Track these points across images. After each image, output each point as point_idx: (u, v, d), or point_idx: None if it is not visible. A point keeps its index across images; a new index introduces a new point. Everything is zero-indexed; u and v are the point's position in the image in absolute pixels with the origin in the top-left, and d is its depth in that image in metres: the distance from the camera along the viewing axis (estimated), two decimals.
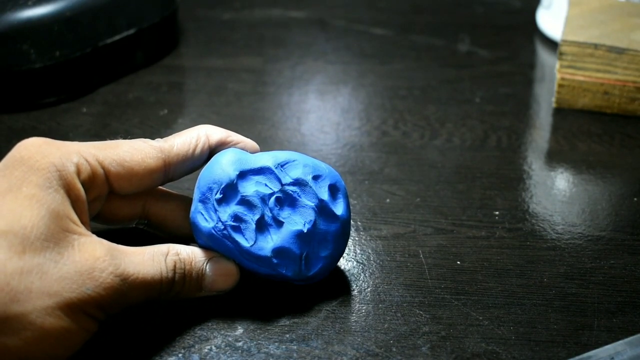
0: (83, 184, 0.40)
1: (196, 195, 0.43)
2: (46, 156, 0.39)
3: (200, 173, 0.44)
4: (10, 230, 0.36)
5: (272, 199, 0.43)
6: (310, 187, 0.44)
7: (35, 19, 0.61)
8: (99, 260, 0.38)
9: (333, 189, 0.45)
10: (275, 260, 0.43)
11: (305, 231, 0.43)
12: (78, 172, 0.40)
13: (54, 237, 0.37)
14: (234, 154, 0.44)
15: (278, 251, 0.43)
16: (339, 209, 0.45)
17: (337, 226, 0.44)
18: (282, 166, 0.44)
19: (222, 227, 0.42)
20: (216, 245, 0.43)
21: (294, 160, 0.44)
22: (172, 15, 0.71)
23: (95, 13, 0.64)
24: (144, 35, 0.68)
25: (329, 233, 0.44)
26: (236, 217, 0.43)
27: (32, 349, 0.36)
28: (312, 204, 0.44)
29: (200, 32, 0.76)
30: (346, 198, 0.45)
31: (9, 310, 0.35)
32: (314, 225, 0.43)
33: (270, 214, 0.43)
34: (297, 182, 0.44)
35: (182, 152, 0.43)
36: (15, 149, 0.40)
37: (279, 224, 0.43)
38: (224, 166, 0.43)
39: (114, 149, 0.42)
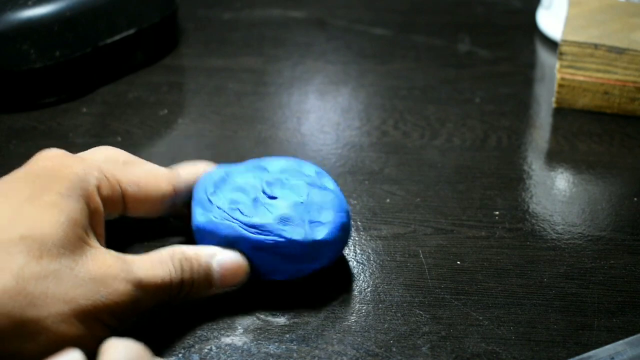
0: (102, 199, 0.41)
1: (193, 206, 0.45)
2: (70, 166, 0.40)
3: (193, 189, 0.45)
4: (29, 236, 0.36)
5: (264, 182, 0.45)
6: (296, 171, 0.46)
7: (35, 19, 0.61)
8: (111, 267, 0.38)
9: (318, 173, 0.46)
10: (281, 225, 0.43)
11: (302, 201, 0.44)
12: (98, 187, 0.41)
13: (71, 244, 0.38)
14: (220, 166, 0.46)
15: (281, 218, 0.43)
16: (329, 184, 0.46)
17: (332, 196, 0.45)
18: (264, 167, 0.46)
19: (221, 211, 0.43)
20: (219, 230, 0.43)
21: (273, 164, 0.47)
22: (172, 15, 0.71)
23: (95, 13, 0.64)
24: (144, 35, 0.68)
25: (326, 202, 0.44)
26: (232, 201, 0.43)
27: (45, 354, 0.36)
28: (303, 181, 0.45)
29: (200, 32, 0.76)
30: (332, 179, 0.47)
31: (25, 314, 0.35)
32: (309, 196, 0.44)
33: (264, 194, 0.44)
34: (283, 172, 0.46)
35: (190, 181, 0.45)
36: (37, 158, 0.41)
37: (275, 199, 0.44)
38: (212, 171, 0.46)
39: (130, 170, 0.43)
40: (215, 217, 0.43)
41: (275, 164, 0.46)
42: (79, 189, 0.39)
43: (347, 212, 0.45)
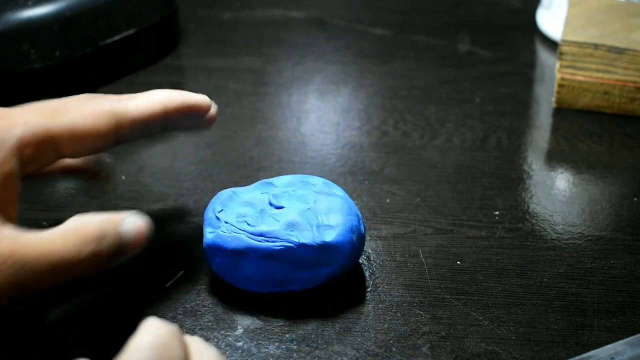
0: (27, 157, 0.38)
1: (204, 227, 0.45)
2: None
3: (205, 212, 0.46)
4: None
5: (270, 195, 0.45)
6: (303, 182, 0.46)
7: (35, 19, 0.61)
8: None
9: (325, 183, 0.46)
10: (288, 231, 0.42)
11: (309, 207, 0.44)
12: (20, 146, 0.38)
13: None
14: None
15: (288, 224, 0.43)
16: (337, 191, 0.46)
17: (340, 201, 0.44)
18: (271, 183, 0.46)
19: (228, 225, 0.43)
20: (227, 243, 0.43)
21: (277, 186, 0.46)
22: (172, 15, 0.71)
23: (95, 13, 0.64)
24: (144, 35, 0.68)
25: (334, 207, 0.44)
26: (239, 215, 0.44)
27: None
28: (310, 190, 0.45)
29: (200, 32, 0.76)
30: (341, 187, 0.47)
31: None
32: (316, 202, 0.44)
33: (271, 206, 0.44)
34: (290, 185, 0.46)
35: (138, 116, 0.42)
36: None
37: (282, 209, 0.44)
38: (220, 192, 0.46)
39: (64, 115, 0.40)
40: (223, 232, 0.43)
41: (282, 179, 0.47)
42: None
43: (358, 216, 0.45)
